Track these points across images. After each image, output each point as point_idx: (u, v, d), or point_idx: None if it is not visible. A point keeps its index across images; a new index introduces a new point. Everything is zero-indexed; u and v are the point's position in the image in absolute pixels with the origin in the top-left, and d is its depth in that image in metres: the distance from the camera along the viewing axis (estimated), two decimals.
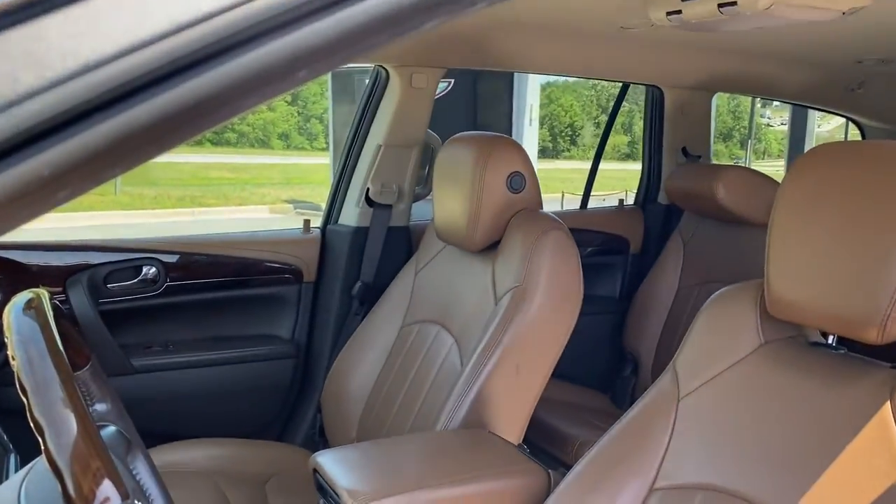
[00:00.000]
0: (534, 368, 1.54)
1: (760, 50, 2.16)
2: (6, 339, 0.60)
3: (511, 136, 1.80)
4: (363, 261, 2.09)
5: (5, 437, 1.24)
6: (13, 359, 0.57)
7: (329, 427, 1.92)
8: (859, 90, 2.60)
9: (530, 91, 8.65)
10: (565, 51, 2.08)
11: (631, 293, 2.55)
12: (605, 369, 2.57)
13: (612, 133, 2.97)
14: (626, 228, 2.64)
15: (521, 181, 1.66)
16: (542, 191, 1.73)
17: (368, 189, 2.09)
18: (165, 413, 1.92)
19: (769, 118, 22.18)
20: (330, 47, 0.34)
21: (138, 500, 0.70)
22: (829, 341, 1.13)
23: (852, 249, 0.99)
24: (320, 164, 13.88)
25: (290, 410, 2.12)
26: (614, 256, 2.64)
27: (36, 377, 0.55)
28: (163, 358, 1.91)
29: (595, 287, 2.58)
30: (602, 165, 2.85)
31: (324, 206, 2.24)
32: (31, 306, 0.63)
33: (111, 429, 0.82)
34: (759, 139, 21.38)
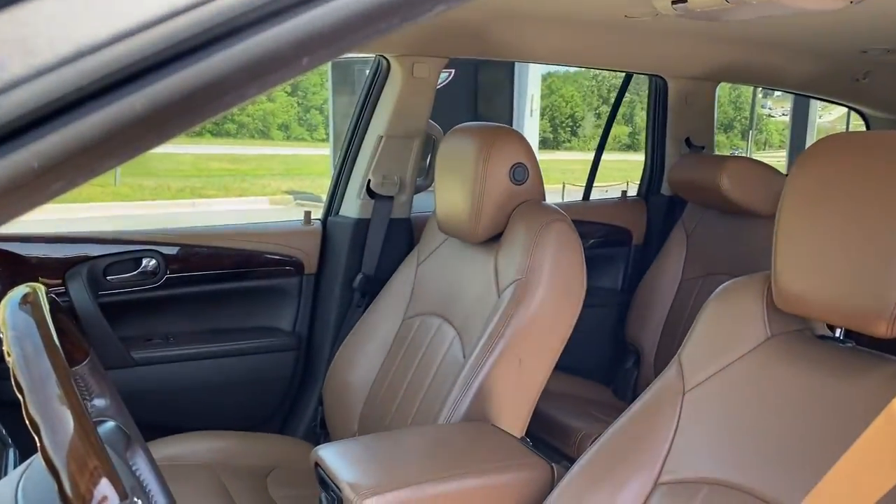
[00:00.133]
0: (536, 361, 1.53)
1: (765, 40, 2.14)
2: (2, 335, 0.58)
3: (512, 126, 1.78)
4: (364, 253, 2.08)
5: (4, 432, 1.23)
6: (9, 355, 0.56)
7: (330, 420, 1.91)
8: (864, 80, 2.58)
9: (531, 81, 8.62)
10: (568, 40, 2.06)
11: (633, 285, 2.54)
12: (607, 361, 2.57)
13: (613, 123, 2.94)
14: (628, 220, 2.62)
15: (524, 172, 1.65)
16: (543, 182, 1.71)
17: (369, 180, 2.08)
18: (166, 406, 1.91)
19: (770, 108, 22.12)
20: (334, 33, 0.33)
21: (137, 498, 0.69)
22: (837, 335, 1.12)
23: (861, 241, 0.98)
24: (321, 154, 13.86)
25: (291, 403, 2.11)
26: (617, 248, 2.62)
27: (32, 374, 0.54)
28: (163, 350, 1.90)
29: (597, 279, 2.56)
30: (604, 156, 2.83)
31: (324, 197, 2.23)
32: (28, 301, 0.62)
33: (110, 424, 0.80)
34: (760, 130, 21.34)
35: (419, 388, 1.67)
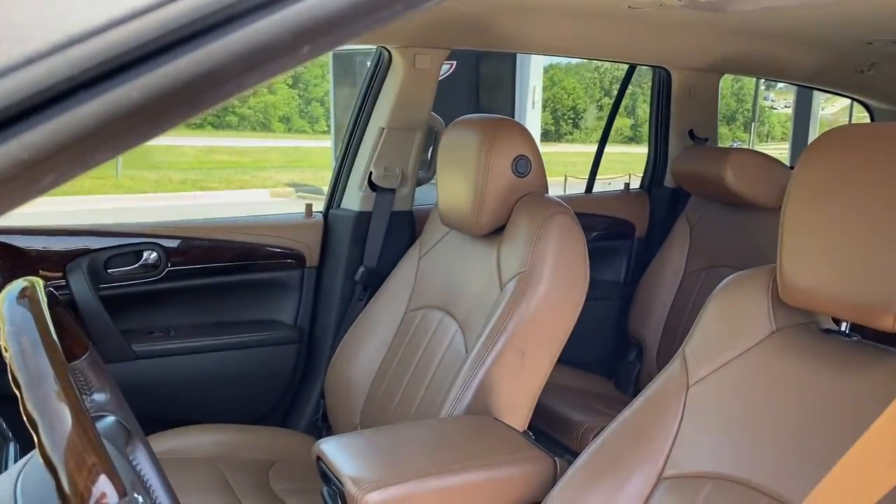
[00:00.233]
0: (539, 354, 1.52)
1: (770, 31, 2.13)
2: None
3: (514, 118, 1.76)
4: (366, 246, 2.07)
5: (5, 426, 1.23)
6: (6, 350, 0.55)
7: (332, 413, 1.91)
8: (869, 72, 2.56)
9: (533, 73, 8.59)
10: (572, 31, 2.04)
11: (636, 278, 2.53)
12: (610, 354, 2.56)
13: (616, 116, 2.93)
14: (631, 212, 2.61)
15: (527, 165, 1.64)
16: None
17: (371, 173, 2.07)
18: (167, 399, 1.91)
19: (773, 101, 22.07)
20: (335, 20, 0.32)
21: (138, 493, 0.68)
22: (842, 328, 1.11)
23: (867, 234, 0.97)
24: (322, 147, 13.85)
25: (292, 396, 2.11)
26: (619, 241, 2.61)
27: (29, 370, 0.53)
28: (164, 344, 1.89)
29: (600, 271, 2.56)
30: (606, 148, 2.82)
31: (326, 189, 2.22)
32: (25, 295, 0.61)
33: (110, 419, 0.80)
34: (763, 122, 21.30)
35: (421, 382, 1.67)
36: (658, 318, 2.39)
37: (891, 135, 1.02)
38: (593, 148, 2.85)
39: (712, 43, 2.27)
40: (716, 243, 2.32)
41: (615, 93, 2.88)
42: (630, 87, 2.81)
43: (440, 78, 2.09)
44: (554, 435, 2.06)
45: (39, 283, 0.67)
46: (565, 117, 20.26)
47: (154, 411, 1.87)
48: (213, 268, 1.97)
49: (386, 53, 2.02)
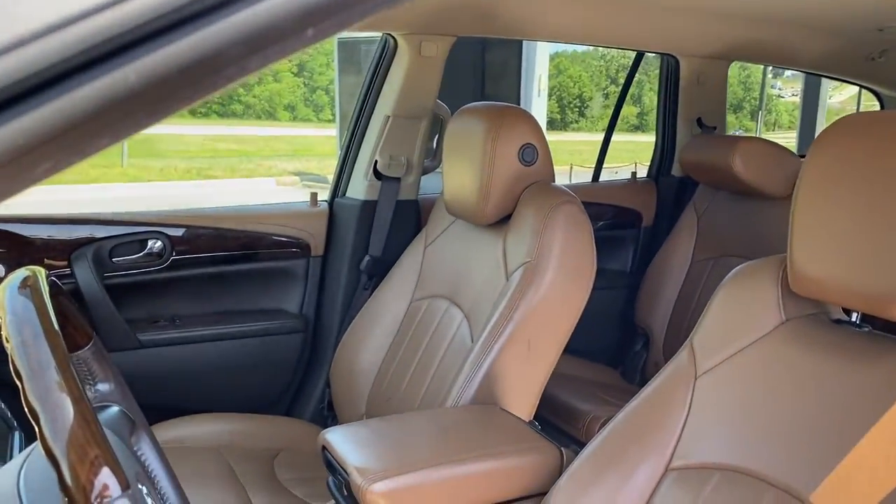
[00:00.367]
0: (545, 344, 1.51)
1: (779, 17, 2.10)
2: (0, 320, 0.57)
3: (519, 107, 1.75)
4: (371, 235, 2.06)
5: (9, 414, 1.23)
6: (7, 341, 0.54)
7: (338, 402, 1.90)
8: (880, 59, 2.53)
9: (539, 61, 8.55)
10: (579, 18, 2.02)
11: (643, 267, 2.52)
12: (616, 344, 2.55)
13: (623, 104, 2.91)
14: (638, 201, 2.60)
15: (534, 153, 1.62)
16: None
17: (376, 161, 2.05)
18: (173, 388, 1.91)
19: (780, 89, 21.95)
20: (340, 2, 0.30)
21: (142, 484, 0.67)
22: (853, 319, 1.10)
23: (879, 223, 0.96)
24: (327, 136, 13.84)
25: (298, 385, 2.11)
26: (626, 230, 2.60)
27: (30, 360, 0.52)
28: (169, 332, 1.89)
29: (606, 261, 2.54)
30: (612, 137, 2.80)
31: (331, 178, 2.21)
32: (27, 285, 0.60)
33: (114, 409, 0.79)
34: (770, 110, 21.18)
35: (427, 371, 1.66)
36: (665, 308, 2.38)
37: None
38: (599, 136, 2.83)
39: (721, 30, 2.24)
40: (723, 233, 2.30)
41: (622, 81, 2.86)
42: (636, 75, 2.79)
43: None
44: (560, 425, 2.05)
45: (42, 272, 0.66)
46: (571, 106, 20.18)
47: (159, 400, 1.87)
48: (218, 257, 1.97)
49: (391, 40, 2.00)
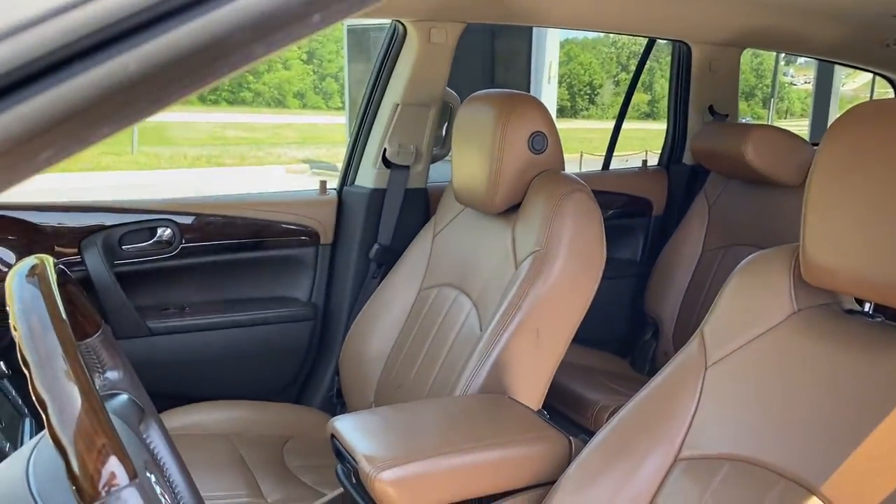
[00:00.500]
0: (554, 334, 1.51)
1: (792, 3, 2.07)
2: (7, 309, 0.57)
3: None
4: (380, 223, 2.05)
5: (20, 402, 1.23)
6: (15, 329, 0.54)
7: (347, 390, 1.91)
8: (895, 45, 2.50)
9: (549, 48, 8.50)
10: (590, 4, 2.00)
11: (653, 256, 2.50)
12: (625, 333, 2.54)
13: (634, 91, 2.88)
14: (649, 190, 2.58)
15: (543, 141, 1.61)
16: None
17: (385, 150, 2.05)
18: (182, 375, 1.92)
19: (792, 76, 21.76)
20: None
21: (151, 472, 0.68)
22: (866, 309, 1.09)
23: (893, 213, 0.95)
24: (337, 123, 13.84)
25: (307, 373, 2.11)
26: (636, 219, 2.59)
27: (38, 349, 0.52)
28: (179, 320, 1.90)
29: (616, 250, 2.53)
30: (622, 125, 2.78)
31: (340, 166, 2.20)
32: (35, 273, 0.60)
33: (123, 397, 0.79)
34: (782, 98, 21.01)
35: (435, 360, 1.66)
36: (675, 297, 2.36)
37: None
38: (609, 124, 2.81)
39: (734, 16, 2.22)
40: (735, 221, 2.29)
41: (632, 68, 2.83)
42: (648, 62, 2.77)
43: None
44: (569, 414, 2.05)
45: (50, 260, 0.66)
46: (581, 93, 20.07)
47: (169, 388, 1.88)
48: (228, 244, 1.97)
49: (401, 27, 1.99)
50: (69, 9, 0.25)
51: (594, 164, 2.80)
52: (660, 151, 2.71)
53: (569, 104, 19.28)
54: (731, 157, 2.18)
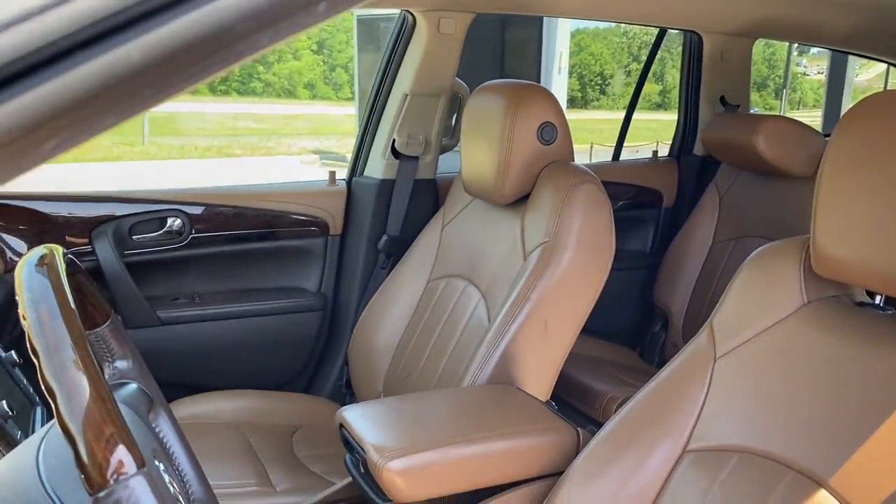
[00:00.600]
0: (563, 325, 1.51)
1: None
2: (17, 298, 0.57)
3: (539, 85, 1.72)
4: (389, 214, 2.05)
5: (31, 390, 1.25)
6: (24, 318, 0.55)
7: (356, 380, 1.91)
8: None
9: (560, 38, 8.45)
10: None
11: (663, 248, 2.50)
12: (635, 325, 2.54)
13: (645, 82, 2.87)
14: (659, 181, 2.57)
15: (553, 132, 1.60)
16: None
17: (394, 140, 2.05)
18: (192, 365, 1.93)
19: (805, 67, 21.56)
20: None
21: (159, 461, 0.68)
22: (877, 301, 1.08)
23: None
24: (347, 114, 13.84)
25: (316, 363, 2.12)
26: (646, 210, 2.58)
27: (47, 338, 0.52)
28: (189, 310, 1.91)
29: (626, 241, 2.53)
30: (633, 115, 2.77)
31: (350, 157, 2.21)
32: (44, 263, 0.61)
33: (132, 386, 0.80)
34: (795, 88, 20.84)
35: (444, 351, 1.66)
36: (685, 289, 2.36)
37: None
38: (620, 115, 2.79)
39: (745, 5, 2.20)
40: (746, 213, 2.27)
41: (644, 58, 2.81)
42: (659, 52, 2.75)
43: None
44: (577, 405, 2.05)
45: (59, 250, 0.66)
46: (592, 83, 19.97)
47: (179, 377, 1.89)
48: (237, 235, 1.98)
49: (410, 17, 1.98)
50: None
51: (605, 154, 2.78)
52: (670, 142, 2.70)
53: (579, 94, 19.19)
54: (742, 148, 2.16)
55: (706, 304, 2.25)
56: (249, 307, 1.98)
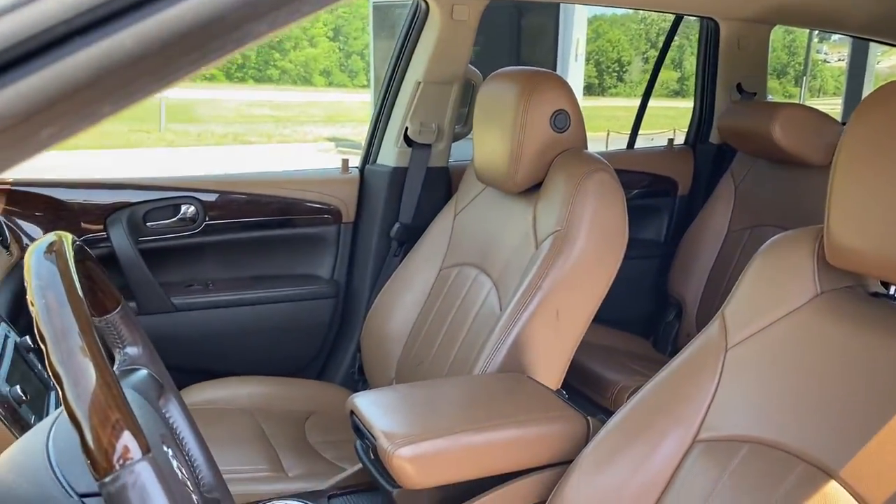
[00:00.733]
0: (574, 314, 1.50)
1: None
2: (26, 284, 0.58)
3: (556, 72, 1.71)
4: (402, 202, 2.06)
5: (46, 375, 1.26)
6: (32, 304, 0.56)
7: (368, 367, 1.92)
8: None
9: (577, 25, 8.38)
10: None
11: (677, 237, 2.48)
12: (648, 314, 2.53)
13: (661, 69, 2.84)
14: (674, 169, 2.55)
15: (566, 120, 1.59)
16: (586, 129, 1.66)
17: (407, 128, 2.04)
18: (206, 351, 1.94)
19: (826, 54, 21.26)
20: None
21: (167, 446, 0.69)
22: (891, 292, 1.07)
23: None
24: (362, 101, 13.83)
25: (329, 349, 2.13)
26: (661, 198, 2.56)
27: (54, 325, 0.53)
28: (203, 296, 1.92)
29: (640, 230, 2.51)
30: (650, 103, 2.74)
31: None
32: (53, 250, 0.61)
33: (143, 373, 0.81)
34: (815, 76, 20.55)
35: (455, 339, 1.67)
36: (699, 278, 2.34)
37: None
38: (637, 102, 2.77)
39: None
40: (761, 202, 2.25)
41: (661, 45, 2.79)
42: (677, 38, 2.72)
43: None
44: (588, 393, 2.05)
45: (68, 237, 0.67)
46: (609, 70, 19.81)
47: (192, 363, 1.91)
48: (251, 222, 1.99)
49: (423, 4, 1.98)
50: None
51: (621, 142, 2.76)
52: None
53: (596, 81, 19.05)
54: (759, 136, 2.14)
55: (720, 294, 2.24)
56: (263, 294, 1.99)
